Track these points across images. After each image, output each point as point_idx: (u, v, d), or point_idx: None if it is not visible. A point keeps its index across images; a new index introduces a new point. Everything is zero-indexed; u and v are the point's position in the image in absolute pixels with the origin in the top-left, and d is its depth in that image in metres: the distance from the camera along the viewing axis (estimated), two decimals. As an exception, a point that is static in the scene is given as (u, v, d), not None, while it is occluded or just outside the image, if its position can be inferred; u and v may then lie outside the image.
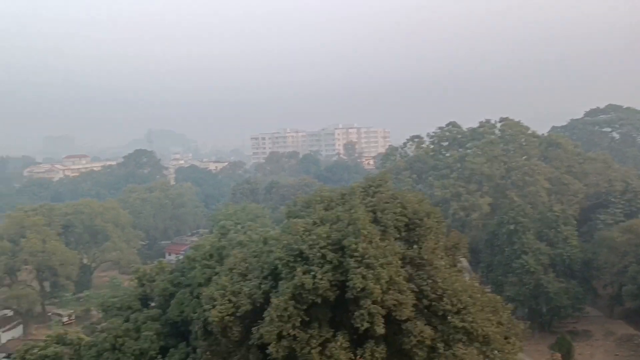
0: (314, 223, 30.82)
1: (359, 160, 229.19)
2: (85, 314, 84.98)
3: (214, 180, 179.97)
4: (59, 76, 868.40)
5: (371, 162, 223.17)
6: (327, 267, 28.25)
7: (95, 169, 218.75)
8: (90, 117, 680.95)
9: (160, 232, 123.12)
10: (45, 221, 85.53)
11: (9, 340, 79.43)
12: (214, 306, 30.22)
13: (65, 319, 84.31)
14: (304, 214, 34.31)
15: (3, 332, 79.43)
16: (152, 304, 44.98)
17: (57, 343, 41.07)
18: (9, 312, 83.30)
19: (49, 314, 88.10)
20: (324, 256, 28.45)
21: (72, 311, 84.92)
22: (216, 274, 39.30)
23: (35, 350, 40.41)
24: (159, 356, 36.16)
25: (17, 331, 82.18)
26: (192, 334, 37.61)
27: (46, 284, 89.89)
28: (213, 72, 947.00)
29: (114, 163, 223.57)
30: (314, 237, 28.90)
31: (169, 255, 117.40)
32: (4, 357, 66.24)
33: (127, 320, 40.86)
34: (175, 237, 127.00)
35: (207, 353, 32.17)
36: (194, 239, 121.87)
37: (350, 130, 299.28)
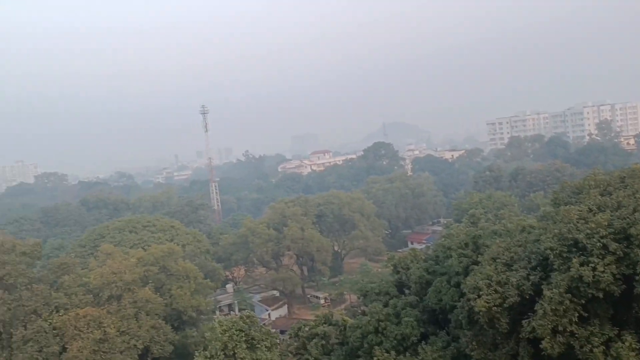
0: (590, 210, 27.88)
1: (615, 140, 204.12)
2: (338, 297, 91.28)
3: (450, 169, 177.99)
4: (303, 81, 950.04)
5: (631, 141, 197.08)
6: (609, 258, 25.40)
7: (337, 162, 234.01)
8: (330, 115, 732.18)
9: (401, 221, 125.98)
10: (302, 211, 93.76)
11: (277, 318, 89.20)
12: (479, 296, 29.41)
13: (322, 301, 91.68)
14: (573, 201, 31.33)
15: (272, 310, 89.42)
16: (407, 291, 45.96)
17: (325, 323, 44.45)
18: (276, 293, 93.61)
19: (308, 295, 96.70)
20: (605, 246, 25.59)
21: (327, 294, 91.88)
22: (474, 263, 38.29)
23: (306, 329, 44.42)
24: (422, 342, 36.55)
25: (283, 310, 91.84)
26: (451, 323, 37.35)
27: (304, 269, 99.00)
28: (443, 63, 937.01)
29: (354, 156, 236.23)
30: (592, 225, 26.13)
31: (411, 243, 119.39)
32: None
33: (386, 305, 42.31)
34: (416, 226, 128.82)
35: (473, 343, 31.46)
36: (436, 228, 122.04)
37: (602, 107, 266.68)
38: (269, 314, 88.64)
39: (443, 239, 46.91)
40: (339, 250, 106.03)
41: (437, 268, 42.95)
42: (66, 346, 44.88)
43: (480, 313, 29.22)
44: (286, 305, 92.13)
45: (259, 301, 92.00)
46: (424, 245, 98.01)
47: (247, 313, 41.56)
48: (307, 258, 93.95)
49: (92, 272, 54.26)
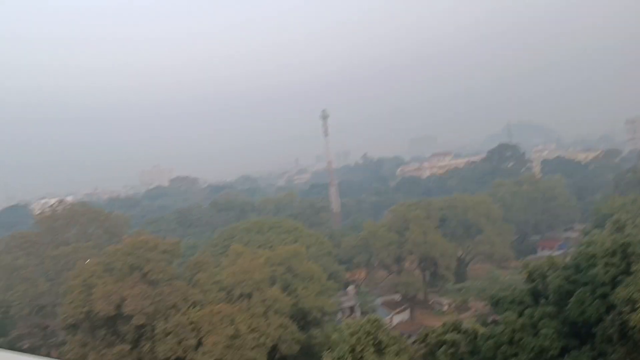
0: None
1: None
2: (462, 304, 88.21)
3: (585, 171, 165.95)
4: (419, 79, 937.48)
5: None
6: None
7: (459, 165, 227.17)
8: (449, 116, 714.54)
9: (531, 226, 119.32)
10: (424, 215, 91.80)
11: (399, 322, 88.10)
12: (634, 309, 26.76)
13: (445, 308, 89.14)
14: None
15: (394, 314, 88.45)
16: (544, 300, 43.11)
17: (453, 330, 42.89)
18: (398, 297, 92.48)
19: (430, 301, 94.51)
20: None
21: (451, 300, 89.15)
22: (623, 273, 35.09)
23: (434, 335, 43.12)
24: (565, 356, 33.99)
25: (405, 315, 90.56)
26: (597, 337, 34.38)
27: (426, 273, 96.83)
28: (573, 58, 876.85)
29: (476, 158, 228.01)
30: None
31: (541, 250, 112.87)
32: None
33: (520, 315, 39.99)
34: (547, 232, 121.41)
35: (626, 361, 28.70)
36: (569, 234, 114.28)
37: None
38: (390, 318, 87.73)
39: (584, 246, 43.55)
40: (463, 256, 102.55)
41: (578, 277, 39.94)
42: (202, 340, 47.30)
43: (636, 328, 26.57)
44: (408, 310, 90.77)
45: (381, 305, 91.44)
46: (556, 252, 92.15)
47: (375, 316, 41.23)
48: (429, 263, 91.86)
49: (224, 271, 56.84)
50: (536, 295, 43.41)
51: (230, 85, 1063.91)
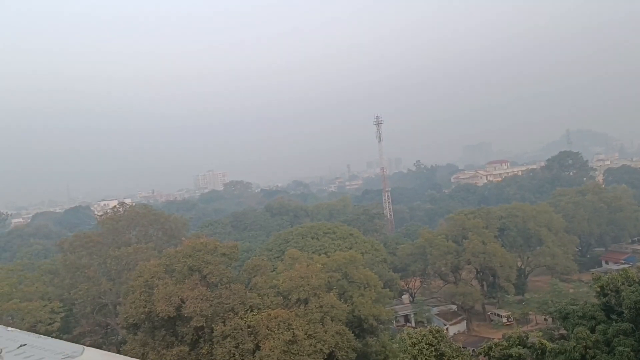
0: None
1: None
2: (522, 316, 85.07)
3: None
4: (474, 86, 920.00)
5: None
6: None
7: (517, 173, 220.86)
8: (505, 123, 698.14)
9: (594, 237, 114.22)
10: (483, 224, 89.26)
11: (455, 333, 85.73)
12: None
13: (504, 320, 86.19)
14: None
15: (451, 325, 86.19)
16: (616, 316, 40.76)
17: (519, 344, 41.05)
18: (454, 307, 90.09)
19: (488, 313, 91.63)
20: None
21: (510, 313, 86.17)
22: None
23: (498, 349, 41.36)
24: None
25: (462, 326, 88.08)
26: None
27: (484, 284, 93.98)
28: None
29: (535, 166, 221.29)
30: None
31: (606, 263, 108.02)
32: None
33: (592, 331, 37.92)
34: (611, 244, 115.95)
35: None
36: (637, 246, 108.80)
37: None
38: (447, 329, 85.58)
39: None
40: (523, 267, 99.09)
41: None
42: (259, 344, 47.14)
43: None
44: (465, 321, 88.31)
45: (436, 315, 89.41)
46: (623, 266, 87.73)
47: (437, 327, 39.98)
48: (488, 273, 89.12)
49: (280, 275, 56.72)
50: (608, 311, 41.12)
51: (282, 94, 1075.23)
